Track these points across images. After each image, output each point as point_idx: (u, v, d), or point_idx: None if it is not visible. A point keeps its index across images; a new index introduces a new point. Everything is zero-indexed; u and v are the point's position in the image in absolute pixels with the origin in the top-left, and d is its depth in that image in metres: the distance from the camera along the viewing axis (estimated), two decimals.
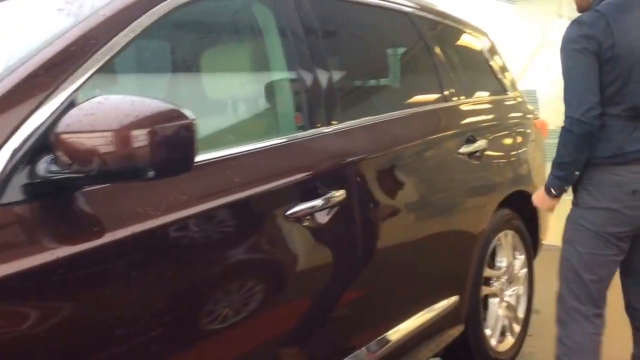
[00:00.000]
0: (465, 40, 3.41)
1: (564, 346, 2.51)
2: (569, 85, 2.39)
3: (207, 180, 1.68)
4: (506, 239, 3.18)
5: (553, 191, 2.51)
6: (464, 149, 2.80)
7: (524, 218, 3.32)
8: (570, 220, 2.54)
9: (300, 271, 1.94)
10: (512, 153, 3.29)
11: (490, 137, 3.02)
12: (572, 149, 2.40)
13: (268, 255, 1.86)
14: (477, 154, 2.88)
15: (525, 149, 3.42)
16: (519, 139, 3.40)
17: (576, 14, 2.53)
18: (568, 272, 2.52)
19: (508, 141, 3.30)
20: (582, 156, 2.41)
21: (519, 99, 3.63)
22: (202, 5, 1.94)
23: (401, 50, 3.01)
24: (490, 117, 3.21)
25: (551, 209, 2.66)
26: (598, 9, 2.40)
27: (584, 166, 2.43)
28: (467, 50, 3.47)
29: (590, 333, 2.48)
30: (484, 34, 3.52)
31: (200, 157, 1.49)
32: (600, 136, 2.38)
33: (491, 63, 3.47)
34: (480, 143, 2.90)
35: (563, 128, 2.40)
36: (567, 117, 2.38)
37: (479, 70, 3.46)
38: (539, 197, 2.62)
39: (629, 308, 2.65)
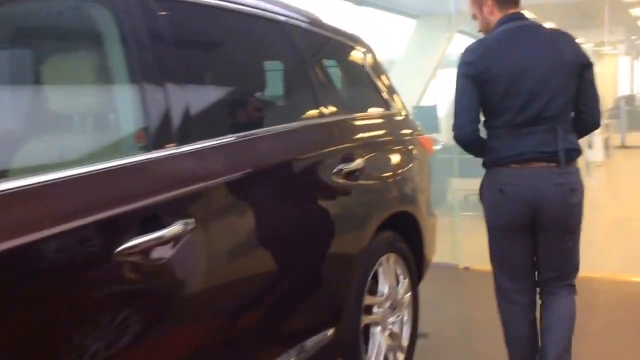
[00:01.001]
0: (346, 53, 3.24)
1: (500, 320, 2.96)
2: (454, 104, 2.81)
3: (11, 214, 1.42)
4: (388, 262, 3.00)
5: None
6: (340, 169, 2.61)
7: (408, 239, 3.17)
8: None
9: (136, 318, 1.68)
10: (394, 172, 3.13)
11: (369, 156, 2.84)
12: (468, 151, 2.91)
13: (98, 300, 1.60)
14: (355, 173, 2.70)
15: (408, 167, 3.27)
16: (402, 158, 3.24)
17: (475, 30, 2.96)
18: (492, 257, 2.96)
19: (390, 159, 3.13)
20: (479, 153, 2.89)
21: (403, 115, 3.48)
22: (19, 6, 1.66)
23: (270, 61, 2.78)
24: (370, 134, 3.04)
25: None
26: (484, 37, 2.83)
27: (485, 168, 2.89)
28: (347, 63, 3.30)
29: (516, 306, 2.89)
30: (367, 47, 3.35)
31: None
32: (487, 144, 2.82)
33: (373, 77, 3.30)
34: (358, 162, 2.72)
35: None
36: (453, 131, 2.84)
37: (360, 84, 3.30)
38: None
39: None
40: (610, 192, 9.37)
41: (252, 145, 2.23)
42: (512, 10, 2.79)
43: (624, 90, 20.17)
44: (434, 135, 6.25)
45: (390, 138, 3.22)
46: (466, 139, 2.79)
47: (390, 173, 3.09)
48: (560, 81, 2.68)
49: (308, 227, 2.44)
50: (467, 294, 4.78)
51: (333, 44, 3.12)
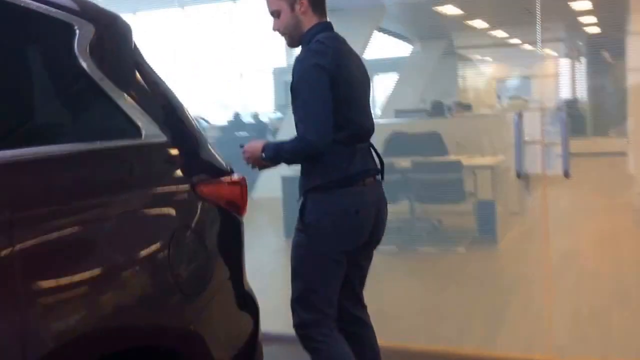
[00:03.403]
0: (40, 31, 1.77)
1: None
2: (310, 104, 2.57)
3: None
4: None
5: (264, 155, 2.66)
6: None
7: None
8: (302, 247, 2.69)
9: None
10: (112, 268, 1.71)
11: (37, 239, 1.44)
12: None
13: None
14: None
15: (164, 253, 1.84)
16: (149, 233, 1.84)
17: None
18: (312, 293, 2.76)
19: (104, 238, 1.72)
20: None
21: (166, 149, 2.01)
22: None
23: None
24: (56, 187, 1.62)
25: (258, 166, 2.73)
26: (323, 41, 2.62)
27: (311, 192, 2.65)
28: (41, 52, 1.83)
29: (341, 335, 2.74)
30: (98, 21, 1.86)
31: None
32: (325, 160, 2.60)
33: (100, 76, 1.79)
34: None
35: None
36: (308, 136, 2.57)
37: (62, 89, 1.84)
38: (254, 148, 2.69)
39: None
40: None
41: None
42: (325, 19, 2.72)
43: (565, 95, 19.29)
44: None
45: (115, 196, 1.77)
46: (322, 150, 2.56)
47: (106, 271, 1.67)
48: (369, 99, 2.81)
49: None
50: None
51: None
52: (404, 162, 6.61)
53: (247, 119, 11.55)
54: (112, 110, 1.80)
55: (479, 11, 10.11)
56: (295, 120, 2.63)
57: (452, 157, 6.85)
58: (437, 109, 8.71)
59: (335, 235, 2.64)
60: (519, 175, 3.74)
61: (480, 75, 11.86)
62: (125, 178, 1.84)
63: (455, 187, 6.32)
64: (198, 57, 10.76)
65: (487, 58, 12.30)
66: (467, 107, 10.01)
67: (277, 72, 13.35)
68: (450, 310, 4.70)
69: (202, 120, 8.82)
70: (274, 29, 2.73)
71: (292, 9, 2.66)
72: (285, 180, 6.68)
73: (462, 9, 9.26)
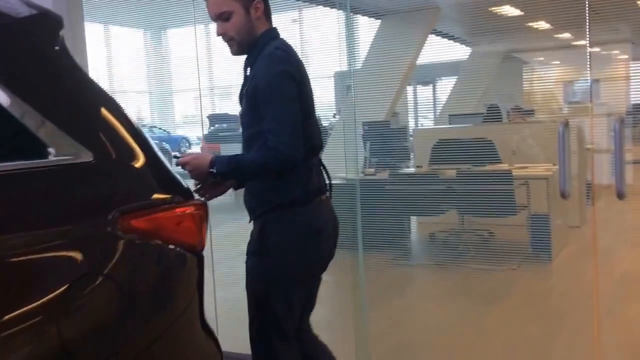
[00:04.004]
0: None
1: None
2: (282, 115, 2.42)
3: None
4: None
5: (215, 170, 2.43)
6: None
7: None
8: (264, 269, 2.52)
9: None
10: None
11: None
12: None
13: None
14: None
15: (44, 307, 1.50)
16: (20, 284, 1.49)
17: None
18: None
19: None
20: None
21: (85, 171, 1.68)
22: None
23: None
24: None
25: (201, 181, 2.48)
26: (284, 48, 2.53)
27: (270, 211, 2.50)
28: None
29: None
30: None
31: None
32: (287, 177, 2.48)
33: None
34: None
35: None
36: (282, 148, 2.39)
37: None
38: (200, 161, 2.44)
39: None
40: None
41: None
42: (271, 25, 2.63)
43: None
44: None
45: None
46: (298, 164, 2.43)
47: None
48: None
49: None
50: None
51: None
52: (450, 171, 6.21)
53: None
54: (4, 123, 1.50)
55: (540, 12, 9.58)
56: (250, 132, 2.49)
57: (502, 166, 6.41)
58: (493, 114, 8.24)
59: (302, 256, 2.52)
60: (563, 195, 3.28)
61: (544, 78, 11.28)
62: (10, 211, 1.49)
63: (505, 198, 5.87)
64: None
65: (551, 60, 11.70)
66: (528, 112, 9.49)
67: (338, 76, 13.16)
68: (493, 334, 4.33)
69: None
70: (220, 33, 2.54)
71: (247, 12, 2.52)
72: None
73: (521, 10, 8.75)
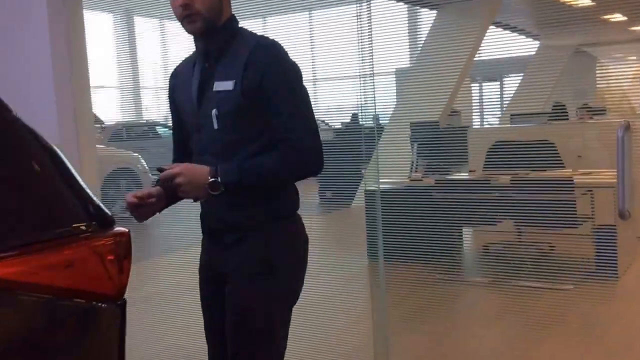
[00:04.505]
0: None
1: None
2: (310, 116, 2.24)
3: None
4: None
5: (221, 180, 2.10)
6: None
7: None
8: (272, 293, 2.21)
9: None
10: None
11: None
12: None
13: None
14: None
15: None
16: None
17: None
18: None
19: None
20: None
21: None
22: None
23: None
24: None
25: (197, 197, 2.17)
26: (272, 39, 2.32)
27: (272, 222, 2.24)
28: None
29: None
30: None
31: None
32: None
33: None
34: None
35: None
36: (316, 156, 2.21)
37: None
38: (196, 173, 2.10)
39: None
40: None
41: None
42: None
43: None
44: None
45: None
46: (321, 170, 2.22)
47: None
48: None
49: None
50: None
51: None
52: (504, 177, 5.63)
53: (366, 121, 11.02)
54: None
55: (615, 3, 8.81)
56: (236, 137, 2.18)
57: (564, 172, 5.79)
58: (559, 113, 7.57)
59: (301, 273, 2.33)
60: (622, 215, 2.74)
61: (618, 75, 10.48)
62: None
63: (565, 208, 5.25)
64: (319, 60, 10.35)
65: (627, 56, 10.86)
66: (600, 111, 8.76)
67: (400, 73, 12.71)
68: None
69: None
70: (183, 3, 2.14)
71: None
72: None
73: (592, 1, 8.05)
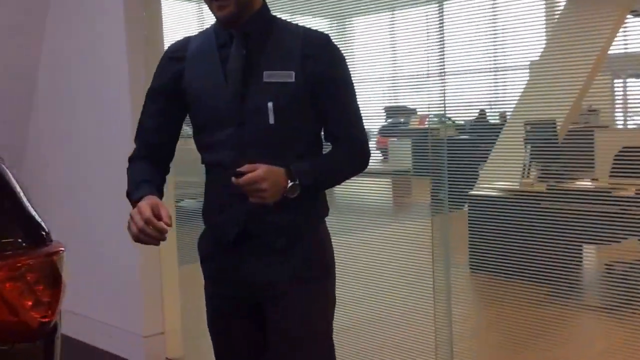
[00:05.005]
0: None
1: None
2: (358, 113, 2.24)
3: None
4: None
5: (299, 182, 2.05)
6: None
7: None
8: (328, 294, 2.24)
9: None
10: None
11: None
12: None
13: None
14: None
15: None
16: None
17: None
18: None
19: None
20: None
21: None
22: None
23: None
24: None
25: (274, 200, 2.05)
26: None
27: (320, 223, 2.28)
28: None
29: None
30: None
31: None
32: None
33: None
34: None
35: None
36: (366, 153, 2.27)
37: None
38: (276, 176, 2.00)
39: None
40: None
41: None
42: None
43: None
44: None
45: None
46: None
47: None
48: None
49: None
50: None
51: None
52: (630, 188, 4.92)
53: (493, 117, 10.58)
54: None
55: None
56: (290, 129, 2.09)
57: None
58: None
59: (334, 284, 2.34)
60: None
61: None
62: None
63: None
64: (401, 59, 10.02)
65: None
66: None
67: (535, 67, 12.01)
68: None
69: None
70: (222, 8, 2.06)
71: None
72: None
73: None
